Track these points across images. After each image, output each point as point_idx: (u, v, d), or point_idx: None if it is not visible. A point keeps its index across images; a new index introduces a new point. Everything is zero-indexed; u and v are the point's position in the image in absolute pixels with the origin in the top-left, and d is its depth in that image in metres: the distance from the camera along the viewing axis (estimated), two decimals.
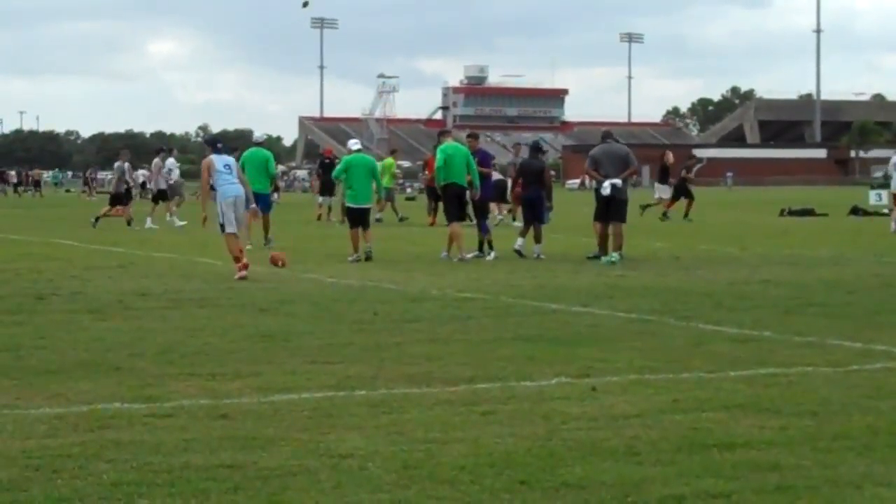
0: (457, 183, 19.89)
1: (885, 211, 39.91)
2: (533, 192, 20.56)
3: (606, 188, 18.85)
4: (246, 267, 15.90)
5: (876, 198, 45.08)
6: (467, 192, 20.11)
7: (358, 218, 19.85)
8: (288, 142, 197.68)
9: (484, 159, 21.46)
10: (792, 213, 39.40)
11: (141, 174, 46.80)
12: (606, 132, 20.61)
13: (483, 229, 20.32)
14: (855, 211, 39.63)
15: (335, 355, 9.47)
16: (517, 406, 7.50)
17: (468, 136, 23.05)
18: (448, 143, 20.32)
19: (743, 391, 8.00)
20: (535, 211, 20.35)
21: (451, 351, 9.70)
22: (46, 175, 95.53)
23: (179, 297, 13.53)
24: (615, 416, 7.21)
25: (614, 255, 18.72)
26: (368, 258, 19.14)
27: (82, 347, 9.89)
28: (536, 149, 21.27)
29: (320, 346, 9.94)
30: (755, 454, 6.26)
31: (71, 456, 6.15)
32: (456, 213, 19.94)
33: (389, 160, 35.72)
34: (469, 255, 19.57)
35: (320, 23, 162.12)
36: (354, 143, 20.90)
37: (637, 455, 6.22)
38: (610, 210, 19.02)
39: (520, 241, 20.36)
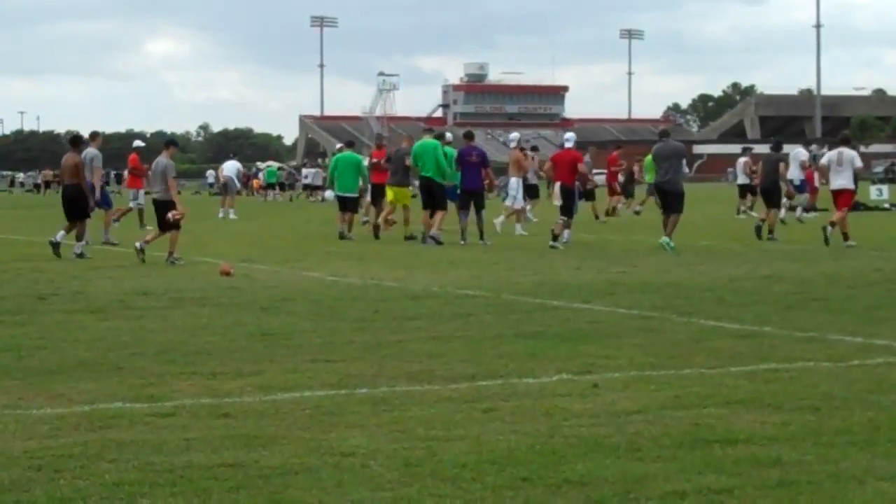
0: (427, 176, 22.56)
1: (886, 206, 39.98)
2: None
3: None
4: None
5: (877, 193, 45.01)
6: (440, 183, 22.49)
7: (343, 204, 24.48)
8: (288, 140, 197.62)
9: (483, 157, 22.91)
10: (792, 208, 39.29)
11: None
12: (663, 131, 23.25)
13: (463, 218, 22.64)
14: (856, 206, 39.57)
15: (336, 353, 9.47)
16: (519, 403, 7.51)
17: (463, 135, 24.55)
18: (425, 140, 23.11)
19: (744, 387, 8.00)
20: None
21: (452, 348, 9.70)
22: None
23: (180, 297, 13.53)
24: (617, 412, 7.21)
25: (664, 239, 20.49)
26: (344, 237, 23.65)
27: (83, 347, 9.90)
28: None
29: (321, 345, 9.94)
30: (757, 450, 6.26)
31: (73, 456, 6.16)
32: (430, 202, 22.51)
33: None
34: (436, 233, 21.97)
35: (320, 21, 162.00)
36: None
37: (639, 451, 6.22)
38: (668, 202, 21.25)
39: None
